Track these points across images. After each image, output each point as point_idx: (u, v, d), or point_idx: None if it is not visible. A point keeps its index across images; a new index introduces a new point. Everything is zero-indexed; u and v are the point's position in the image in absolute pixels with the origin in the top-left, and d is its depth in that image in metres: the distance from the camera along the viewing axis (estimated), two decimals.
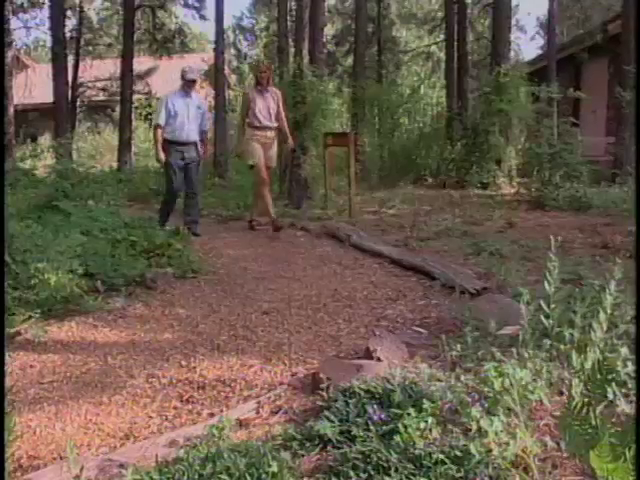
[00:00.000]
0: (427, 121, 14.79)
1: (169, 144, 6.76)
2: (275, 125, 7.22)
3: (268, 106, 7.14)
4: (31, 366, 3.22)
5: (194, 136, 6.87)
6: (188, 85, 6.87)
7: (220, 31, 13.85)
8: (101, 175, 9.54)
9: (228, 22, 31.92)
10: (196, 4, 18.66)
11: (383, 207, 8.81)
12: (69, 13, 18.21)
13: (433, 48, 22.12)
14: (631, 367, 2.49)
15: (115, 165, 15.18)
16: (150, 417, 2.61)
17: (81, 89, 19.56)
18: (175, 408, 2.68)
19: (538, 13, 37.02)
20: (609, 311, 2.52)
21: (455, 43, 16.71)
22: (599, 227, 6.47)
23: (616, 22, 12.76)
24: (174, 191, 6.94)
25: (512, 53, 17.95)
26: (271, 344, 3.37)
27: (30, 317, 3.72)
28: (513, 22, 19.39)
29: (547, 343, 2.74)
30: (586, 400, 1.65)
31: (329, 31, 21.50)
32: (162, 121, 6.72)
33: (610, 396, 2.30)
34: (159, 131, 6.78)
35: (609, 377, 1.71)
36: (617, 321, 2.78)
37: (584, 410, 1.65)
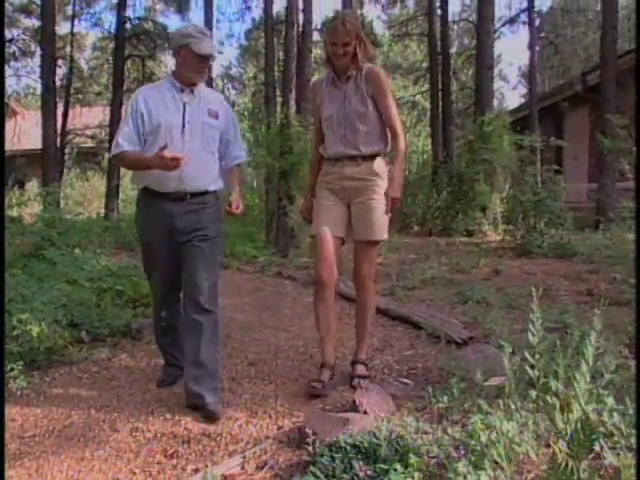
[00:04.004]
0: (413, 169, 15.01)
1: (144, 197, 3.40)
2: (369, 151, 3.41)
3: (346, 111, 3.40)
4: (13, 420, 3.17)
5: (199, 180, 3.27)
6: (195, 67, 3.25)
7: (209, 80, 14.06)
8: (88, 223, 9.54)
9: (216, 71, 32.48)
10: None
11: None
12: (60, 62, 18.49)
13: (418, 97, 22.55)
14: (617, 417, 2.49)
15: (103, 212, 15.20)
16: (134, 473, 2.56)
17: (70, 136, 19.72)
18: (159, 463, 2.63)
19: (520, 63, 37.96)
20: (591, 362, 2.53)
21: (439, 93, 17.12)
22: (583, 274, 6.52)
23: (595, 73, 13.14)
24: (161, 303, 3.57)
25: (495, 102, 18.38)
26: (257, 396, 3.34)
27: (13, 369, 3.67)
28: (496, 72, 19.94)
29: (533, 394, 2.75)
30: (571, 456, 1.65)
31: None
32: (124, 145, 3.22)
33: (597, 448, 2.30)
34: (128, 155, 3.24)
35: (593, 436, 1.71)
36: (602, 370, 2.79)
37: (569, 466, 1.65)
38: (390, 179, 3.33)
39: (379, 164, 3.45)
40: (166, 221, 3.26)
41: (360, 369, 3.50)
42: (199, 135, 3.27)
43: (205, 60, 3.27)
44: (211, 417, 3.02)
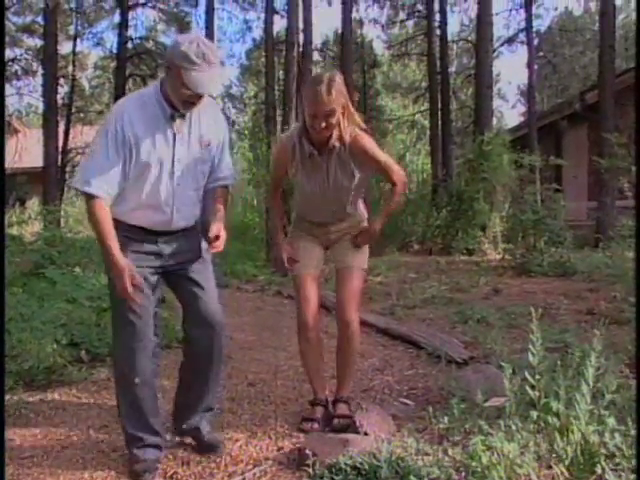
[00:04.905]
0: (413, 188, 15.05)
1: (126, 232, 2.63)
2: (355, 208, 3.25)
3: (331, 188, 3.08)
4: (11, 440, 3.14)
5: (187, 220, 2.74)
6: (182, 96, 2.48)
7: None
8: (88, 241, 9.54)
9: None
10: None
11: (369, 275, 8.83)
12: (62, 81, 18.62)
13: (418, 116, 22.67)
14: (618, 438, 2.48)
15: None
16: None
17: (71, 154, 19.78)
18: None
19: (518, 82, 38.22)
20: (592, 383, 2.52)
21: (439, 112, 17.21)
22: (583, 293, 6.52)
23: (593, 92, 13.23)
24: (134, 363, 2.87)
25: (495, 120, 18.47)
26: (257, 417, 3.33)
27: (11, 388, 3.66)
28: (495, 91, 20.04)
29: (534, 415, 2.73)
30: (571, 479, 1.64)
31: None
32: (94, 187, 2.47)
33: (598, 470, 2.28)
34: (100, 209, 2.50)
35: (595, 458, 1.70)
36: (603, 390, 2.78)
37: None
38: (373, 221, 3.27)
39: (362, 210, 3.33)
40: (149, 247, 2.69)
41: (342, 408, 3.17)
42: (190, 174, 2.66)
43: (197, 94, 2.49)
44: (212, 447, 2.84)
